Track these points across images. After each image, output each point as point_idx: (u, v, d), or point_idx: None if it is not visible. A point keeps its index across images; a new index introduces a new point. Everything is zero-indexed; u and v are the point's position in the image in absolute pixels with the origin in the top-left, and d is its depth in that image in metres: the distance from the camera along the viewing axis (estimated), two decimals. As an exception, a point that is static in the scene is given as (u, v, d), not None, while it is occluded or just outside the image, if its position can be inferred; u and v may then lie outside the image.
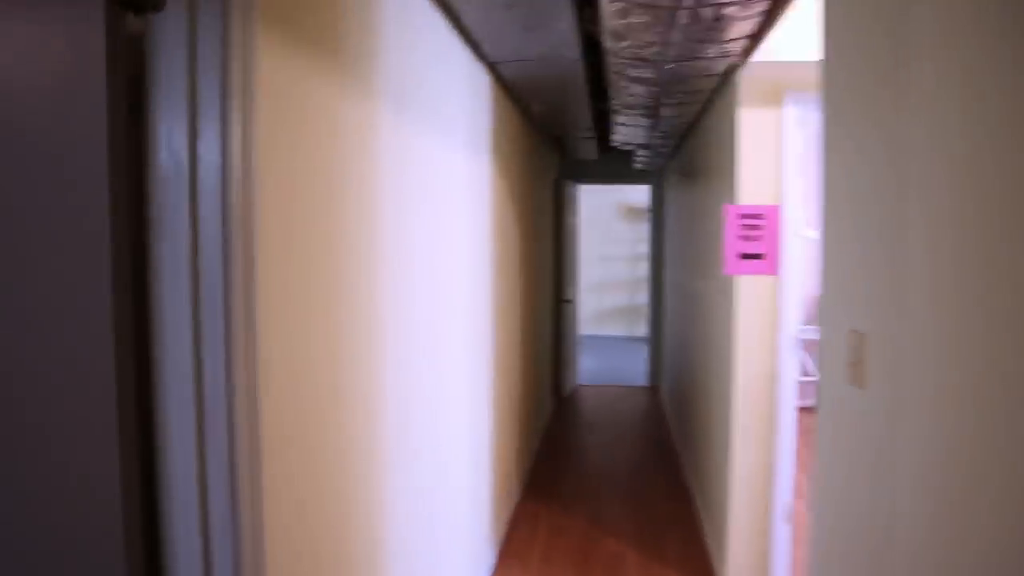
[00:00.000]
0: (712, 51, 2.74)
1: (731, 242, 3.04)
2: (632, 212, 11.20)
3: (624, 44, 2.66)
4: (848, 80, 1.52)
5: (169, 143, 1.16)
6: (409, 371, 2.16)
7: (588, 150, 6.58)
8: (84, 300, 1.10)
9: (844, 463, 1.52)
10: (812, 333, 2.77)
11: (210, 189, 1.16)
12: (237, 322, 1.19)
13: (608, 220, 11.24)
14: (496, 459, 3.74)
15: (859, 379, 1.43)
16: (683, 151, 5.41)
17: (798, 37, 2.68)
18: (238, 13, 1.17)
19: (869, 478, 1.37)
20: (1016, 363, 0.87)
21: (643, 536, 4.05)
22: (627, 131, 4.67)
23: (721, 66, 2.97)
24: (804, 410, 4.14)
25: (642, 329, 10.89)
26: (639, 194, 10.86)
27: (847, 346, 1.49)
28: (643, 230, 10.81)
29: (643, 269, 10.74)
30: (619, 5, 2.27)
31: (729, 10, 2.31)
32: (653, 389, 7.84)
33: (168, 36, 1.15)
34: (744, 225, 3.05)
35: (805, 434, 4.55)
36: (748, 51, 2.85)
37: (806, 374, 5.25)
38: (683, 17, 2.33)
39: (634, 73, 3.07)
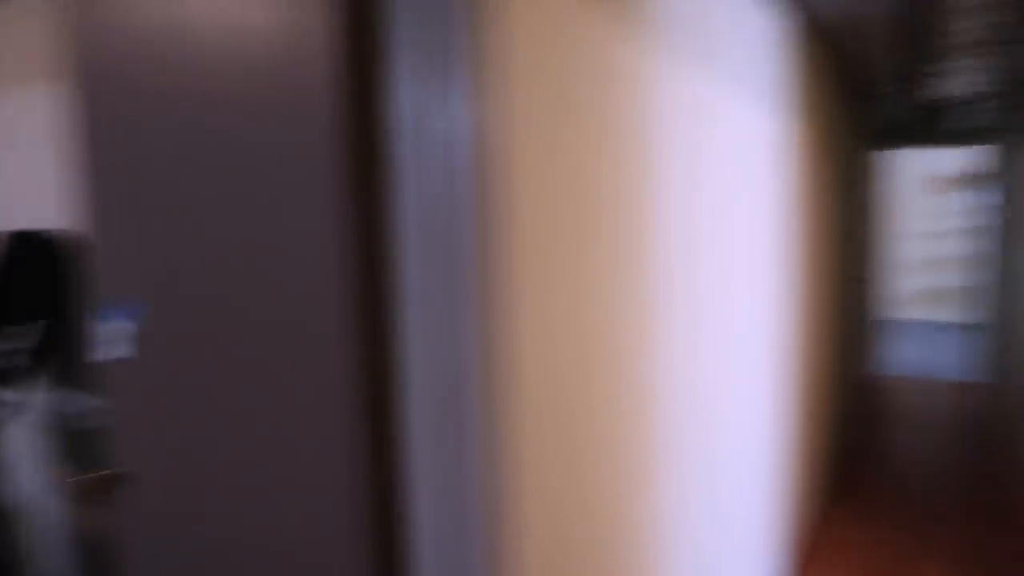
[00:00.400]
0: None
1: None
2: (942, 181, 9.75)
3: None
4: None
5: (410, 104, 1.04)
6: (697, 362, 2.06)
7: (895, 108, 5.80)
8: (312, 281, 1.16)
9: None
10: None
11: (456, 155, 1.03)
12: (488, 314, 1.06)
13: (914, 191, 9.91)
14: (791, 459, 3.49)
15: None
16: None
17: None
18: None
19: None
20: None
21: (974, 570, 3.50)
22: (958, 81, 4.01)
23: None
24: None
25: (961, 314, 9.39)
26: (949, 160, 9.42)
27: None
28: (955, 202, 9.44)
29: (953, 246, 9.40)
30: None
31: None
32: (992, 387, 6.69)
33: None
34: None
35: None
36: None
37: None
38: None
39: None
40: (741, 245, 2.52)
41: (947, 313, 9.81)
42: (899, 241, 9.97)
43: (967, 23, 2.93)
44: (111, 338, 1.51)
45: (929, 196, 9.97)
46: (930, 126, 6.37)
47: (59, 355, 2.55)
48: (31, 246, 2.53)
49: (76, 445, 2.63)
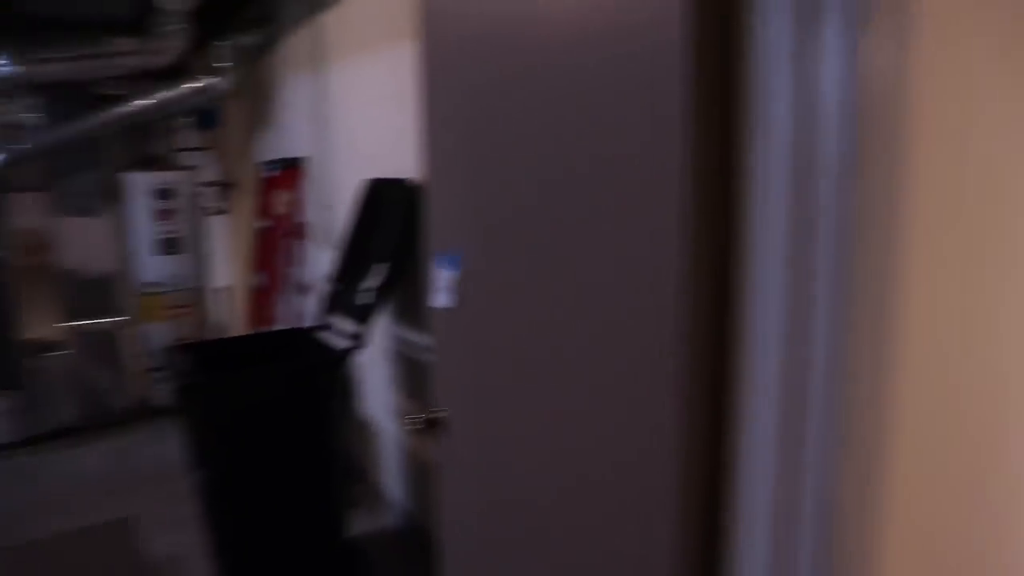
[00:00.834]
0: None
1: None
2: None
3: None
4: None
5: (779, 49, 0.89)
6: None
7: None
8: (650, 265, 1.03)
9: None
10: None
11: (837, 111, 0.86)
12: (866, 308, 0.90)
13: None
14: None
15: None
16: None
17: None
18: None
19: None
20: None
21: None
22: None
23: None
24: None
25: None
26: None
27: None
28: None
29: None
30: None
31: None
32: None
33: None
34: None
35: None
36: None
37: None
38: None
39: None
40: None
41: None
42: None
43: None
44: (439, 285, 1.60)
45: None
46: None
47: (401, 294, 2.86)
48: (387, 192, 2.85)
49: (412, 377, 2.96)
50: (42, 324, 4.61)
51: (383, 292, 2.61)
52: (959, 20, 0.91)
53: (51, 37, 3.86)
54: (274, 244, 4.22)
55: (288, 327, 3.77)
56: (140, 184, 4.49)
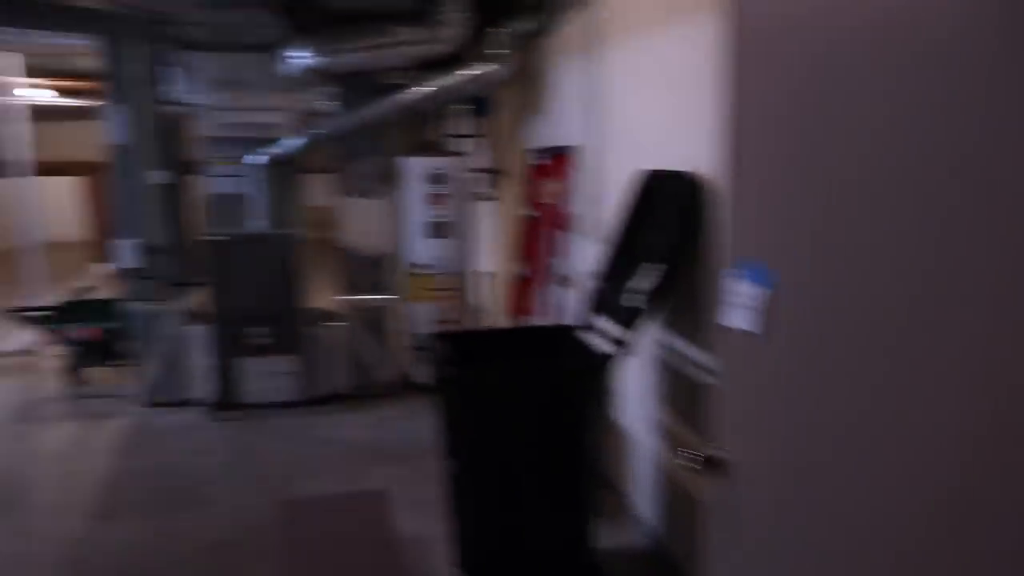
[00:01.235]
0: None
1: None
2: None
3: None
4: None
5: None
6: None
7: None
8: None
9: None
10: None
11: None
12: None
13: None
14: None
15: None
16: None
17: None
18: None
19: None
20: None
21: None
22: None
23: None
24: None
25: None
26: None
27: None
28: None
29: None
30: None
31: None
32: None
33: None
34: None
35: None
36: None
37: None
38: None
39: None
40: None
41: None
42: None
43: None
44: (735, 302, 1.38)
45: None
46: None
47: (675, 300, 2.64)
48: (665, 186, 2.65)
49: (680, 394, 2.73)
50: (323, 295, 5.07)
51: (654, 296, 2.42)
52: None
53: (345, 30, 4.17)
54: (538, 234, 4.21)
55: (549, 323, 3.74)
56: (415, 169, 4.73)
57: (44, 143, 7.94)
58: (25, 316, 5.16)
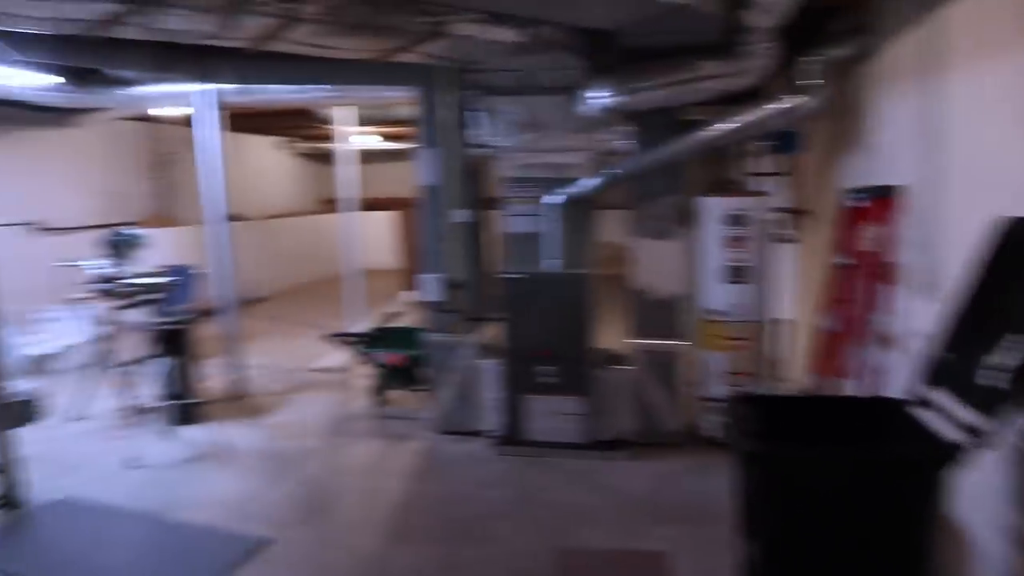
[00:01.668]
0: None
1: None
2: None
3: None
4: None
5: None
6: None
7: None
8: None
9: None
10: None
11: None
12: None
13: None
14: None
15: None
16: None
17: None
18: None
19: None
20: None
21: None
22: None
23: None
24: None
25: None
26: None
27: None
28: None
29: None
30: None
31: None
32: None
33: None
34: None
35: None
36: None
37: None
38: None
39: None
40: None
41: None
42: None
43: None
44: None
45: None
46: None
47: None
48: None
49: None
50: (612, 336, 5.03)
51: (1019, 374, 1.98)
52: None
53: (645, 67, 4.12)
54: (854, 284, 3.76)
55: (869, 394, 3.31)
56: (713, 209, 4.52)
57: (367, 182, 8.98)
58: (341, 339, 5.81)
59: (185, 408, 5.32)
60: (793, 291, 5.17)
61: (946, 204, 2.95)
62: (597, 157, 4.69)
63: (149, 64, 5.25)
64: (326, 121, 8.48)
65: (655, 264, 4.65)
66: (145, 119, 9.65)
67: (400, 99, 5.90)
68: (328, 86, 5.75)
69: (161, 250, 8.58)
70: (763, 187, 5.05)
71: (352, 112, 7.82)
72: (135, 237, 5.66)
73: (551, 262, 4.76)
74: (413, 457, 4.71)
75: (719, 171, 5.20)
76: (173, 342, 5.28)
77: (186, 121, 6.62)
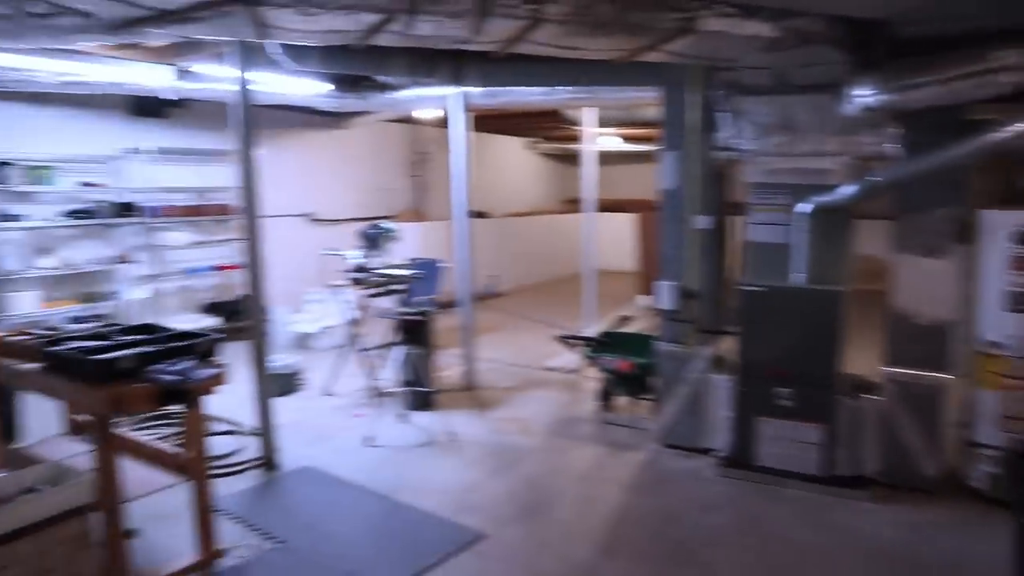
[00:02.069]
0: None
1: None
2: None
3: None
4: None
5: None
6: None
7: None
8: None
9: None
10: None
11: None
12: None
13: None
14: None
15: None
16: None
17: None
18: None
19: None
20: None
21: None
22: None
23: None
24: None
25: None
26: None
27: None
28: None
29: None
30: None
31: None
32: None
33: None
34: None
35: None
36: None
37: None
38: None
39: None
40: None
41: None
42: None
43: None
44: None
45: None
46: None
47: None
48: None
49: None
50: (861, 361, 4.55)
51: None
52: None
53: (920, 60, 3.66)
54: None
55: None
56: (999, 223, 3.91)
57: (606, 183, 9.00)
58: (571, 341, 5.85)
59: (420, 395, 5.66)
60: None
61: None
62: (856, 162, 4.26)
63: (406, 69, 5.65)
64: (573, 122, 8.62)
65: (921, 284, 4.13)
66: (406, 121, 10.44)
67: (643, 100, 5.81)
68: (572, 88, 5.82)
69: (411, 243, 9.25)
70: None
71: (594, 114, 7.87)
72: (389, 230, 6.12)
73: (797, 276, 4.41)
74: (634, 468, 4.61)
75: (1009, 180, 4.50)
76: (414, 332, 5.63)
77: (442, 122, 7.07)
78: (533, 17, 3.47)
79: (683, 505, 4.06)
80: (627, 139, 11.90)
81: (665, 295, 4.88)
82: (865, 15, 3.78)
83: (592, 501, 4.14)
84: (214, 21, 3.33)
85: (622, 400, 5.54)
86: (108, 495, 2.94)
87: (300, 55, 5.16)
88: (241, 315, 5.59)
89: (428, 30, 3.51)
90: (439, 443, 5.06)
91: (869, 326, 4.66)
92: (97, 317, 6.82)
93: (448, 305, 7.67)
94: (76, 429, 4.33)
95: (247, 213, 4.45)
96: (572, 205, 14.18)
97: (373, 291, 5.59)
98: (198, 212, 8.02)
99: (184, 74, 5.83)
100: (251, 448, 4.78)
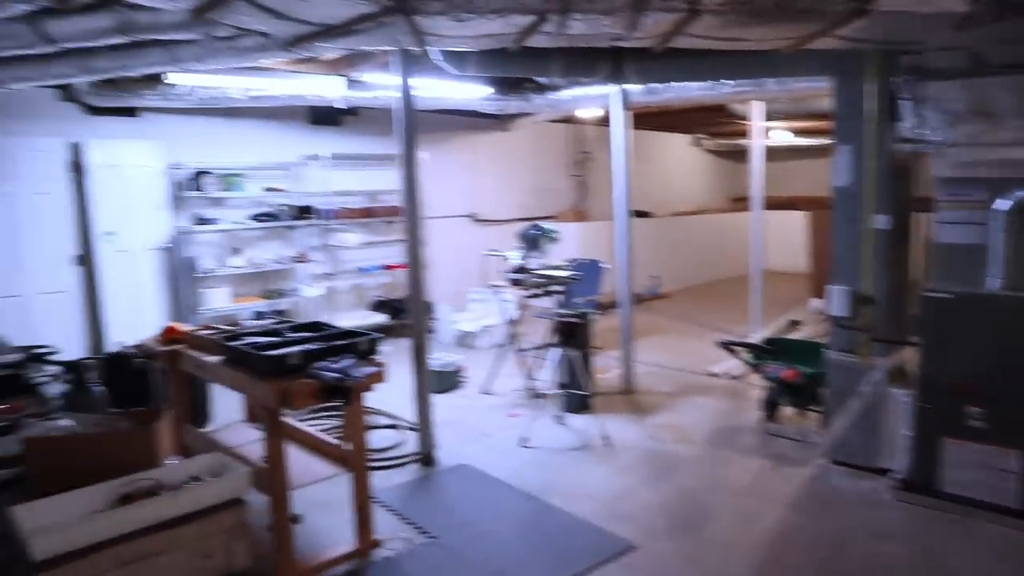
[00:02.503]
0: None
1: None
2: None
3: None
4: None
5: None
6: None
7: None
8: None
9: None
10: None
11: None
12: None
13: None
14: None
15: None
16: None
17: None
18: None
19: None
20: None
21: None
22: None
23: None
24: None
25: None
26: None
27: None
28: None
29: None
30: None
31: None
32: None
33: None
34: None
35: None
36: None
37: None
38: None
39: None
40: None
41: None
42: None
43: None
44: None
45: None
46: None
47: None
48: None
49: None
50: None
51: None
52: None
53: None
54: None
55: None
56: None
57: (775, 180, 8.51)
58: (733, 347, 5.57)
59: (576, 398, 5.60)
60: None
61: None
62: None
63: (564, 70, 5.61)
64: (740, 117, 8.25)
65: None
66: (567, 121, 10.44)
67: (814, 91, 5.44)
68: (736, 81, 5.55)
69: (572, 244, 9.23)
70: None
71: (761, 107, 7.47)
72: (549, 231, 6.12)
73: (993, 280, 3.93)
74: (798, 484, 4.31)
75: None
76: (572, 334, 5.59)
77: (604, 121, 6.99)
78: (689, 9, 3.31)
79: (852, 531, 3.73)
80: (798, 132, 11.23)
81: (836, 300, 4.52)
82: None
83: (751, 519, 3.90)
84: (375, 32, 3.45)
85: (788, 411, 5.20)
86: (277, 481, 3.12)
87: (460, 60, 5.27)
88: (406, 312, 5.79)
89: (582, 29, 3.44)
90: (593, 447, 4.98)
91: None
92: (277, 313, 7.34)
93: (608, 306, 7.56)
94: (253, 417, 4.66)
95: (409, 214, 4.60)
96: (740, 203, 13.61)
97: (532, 292, 5.61)
98: (369, 214, 8.43)
99: (354, 83, 6.13)
100: (410, 443, 4.94)
